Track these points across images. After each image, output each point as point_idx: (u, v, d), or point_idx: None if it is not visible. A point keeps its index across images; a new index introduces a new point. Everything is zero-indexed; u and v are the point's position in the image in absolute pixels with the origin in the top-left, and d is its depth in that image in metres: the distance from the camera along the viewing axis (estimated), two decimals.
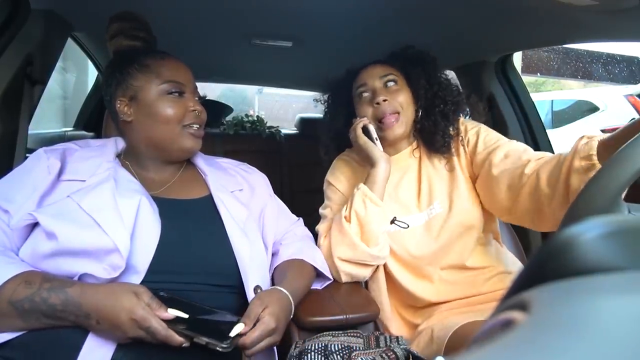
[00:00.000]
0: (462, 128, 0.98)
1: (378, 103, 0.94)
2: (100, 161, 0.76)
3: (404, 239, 0.94)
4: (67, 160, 0.75)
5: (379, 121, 0.95)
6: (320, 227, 0.97)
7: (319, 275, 0.90)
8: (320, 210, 1.02)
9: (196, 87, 0.83)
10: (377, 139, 0.94)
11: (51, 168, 0.71)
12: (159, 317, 0.57)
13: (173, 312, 0.59)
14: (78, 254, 0.63)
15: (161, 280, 0.66)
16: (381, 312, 0.91)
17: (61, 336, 0.59)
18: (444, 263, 0.93)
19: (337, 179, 1.03)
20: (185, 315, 0.60)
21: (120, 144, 0.84)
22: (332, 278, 0.90)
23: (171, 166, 0.84)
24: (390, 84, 0.96)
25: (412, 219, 0.95)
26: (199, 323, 0.61)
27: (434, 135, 0.96)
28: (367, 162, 0.95)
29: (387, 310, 0.95)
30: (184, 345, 0.58)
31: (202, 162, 0.88)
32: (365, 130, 0.95)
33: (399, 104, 0.95)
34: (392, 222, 0.91)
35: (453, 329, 0.80)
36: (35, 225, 0.65)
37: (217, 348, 0.58)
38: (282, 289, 0.73)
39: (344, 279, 0.90)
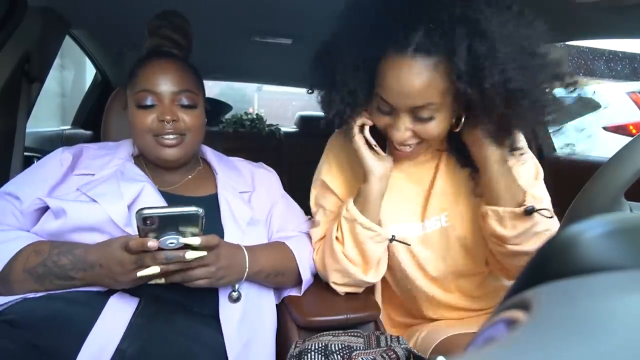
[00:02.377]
0: None
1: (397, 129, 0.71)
2: (111, 158, 0.80)
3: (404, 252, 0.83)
4: (83, 156, 0.80)
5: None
6: (313, 234, 0.87)
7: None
8: (312, 208, 0.90)
9: (184, 92, 0.77)
10: (375, 146, 0.77)
11: (63, 161, 0.76)
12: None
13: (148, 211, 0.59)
14: (82, 229, 0.68)
15: None
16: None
17: (71, 321, 0.62)
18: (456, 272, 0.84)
19: (333, 176, 0.86)
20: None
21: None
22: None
23: (180, 169, 0.84)
24: (425, 113, 0.68)
25: (411, 227, 0.83)
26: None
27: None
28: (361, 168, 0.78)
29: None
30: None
31: (216, 161, 0.90)
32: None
33: (428, 134, 0.71)
34: (391, 240, 0.78)
35: (441, 338, 0.78)
36: (44, 211, 0.71)
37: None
38: (243, 248, 0.72)
39: (343, 292, 0.83)
